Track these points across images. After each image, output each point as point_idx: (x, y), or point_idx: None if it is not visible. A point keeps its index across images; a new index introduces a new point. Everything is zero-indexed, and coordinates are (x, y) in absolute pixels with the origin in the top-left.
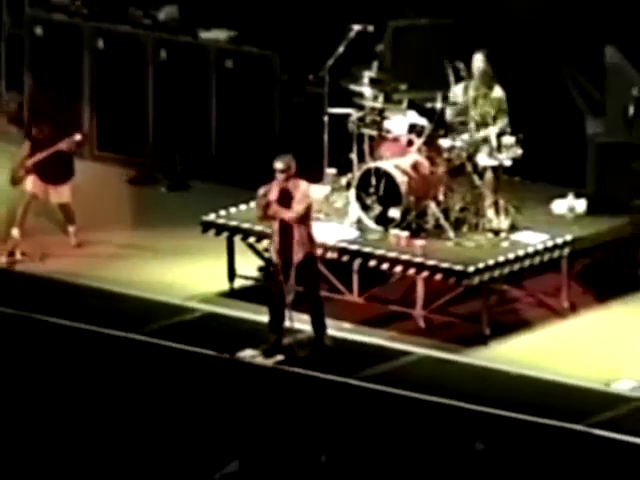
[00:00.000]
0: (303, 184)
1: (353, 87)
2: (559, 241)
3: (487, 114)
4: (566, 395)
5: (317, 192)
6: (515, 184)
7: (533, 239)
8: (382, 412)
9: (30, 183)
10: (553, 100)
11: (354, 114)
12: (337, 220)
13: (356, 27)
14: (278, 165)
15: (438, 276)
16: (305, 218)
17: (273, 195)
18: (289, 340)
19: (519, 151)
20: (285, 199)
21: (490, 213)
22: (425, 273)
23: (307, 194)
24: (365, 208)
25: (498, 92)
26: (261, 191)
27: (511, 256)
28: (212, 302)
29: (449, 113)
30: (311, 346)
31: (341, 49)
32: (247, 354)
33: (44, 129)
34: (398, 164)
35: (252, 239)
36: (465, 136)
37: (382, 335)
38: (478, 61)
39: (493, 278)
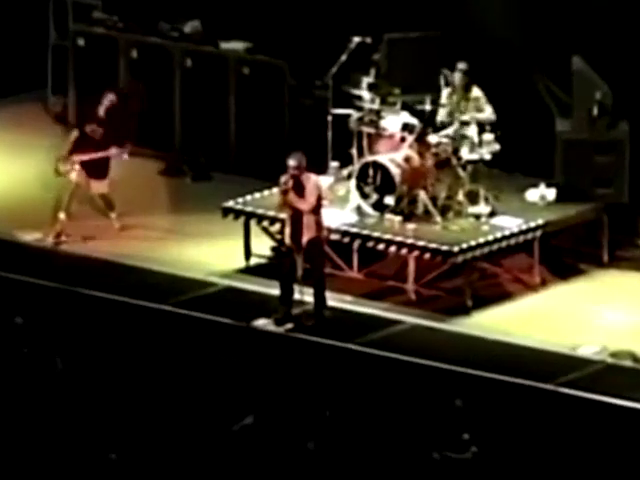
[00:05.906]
0: (313, 177)
1: (354, 91)
2: (532, 225)
3: (469, 114)
4: (537, 358)
5: (322, 182)
6: (494, 175)
7: (509, 223)
8: (377, 373)
9: (75, 174)
10: (527, 103)
11: (354, 114)
12: (339, 206)
13: (356, 39)
14: (291, 162)
15: (427, 255)
16: (317, 207)
17: (289, 186)
18: (298, 311)
19: (497, 146)
20: (299, 189)
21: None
22: (416, 252)
23: (318, 186)
24: (364, 196)
25: (476, 92)
26: (282, 179)
27: (490, 238)
28: (231, 277)
29: (439, 114)
30: (316, 316)
31: (343, 58)
32: (261, 323)
33: (98, 131)
34: (392, 158)
35: (265, 223)
36: (450, 133)
37: (378, 306)
38: (459, 69)
39: (475, 257)
